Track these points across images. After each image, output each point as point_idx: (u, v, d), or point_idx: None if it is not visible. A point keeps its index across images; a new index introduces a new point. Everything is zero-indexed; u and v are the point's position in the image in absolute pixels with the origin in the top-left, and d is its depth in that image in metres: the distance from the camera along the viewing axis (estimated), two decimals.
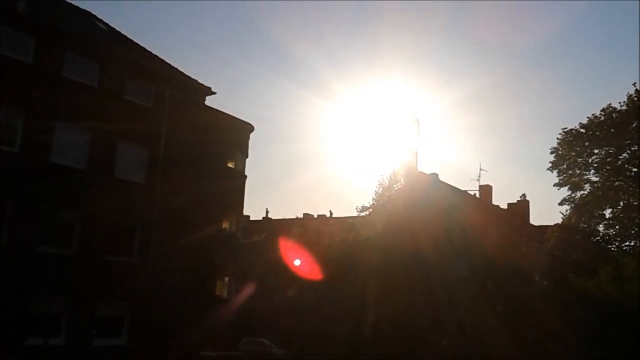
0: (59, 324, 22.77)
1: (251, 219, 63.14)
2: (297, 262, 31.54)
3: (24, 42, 22.61)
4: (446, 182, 54.77)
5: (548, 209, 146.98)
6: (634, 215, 39.58)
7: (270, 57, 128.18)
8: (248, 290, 38.50)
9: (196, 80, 29.24)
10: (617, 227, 40.81)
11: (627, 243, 40.54)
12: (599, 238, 40.43)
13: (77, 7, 29.64)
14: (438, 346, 35.61)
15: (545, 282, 42.48)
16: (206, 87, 29.44)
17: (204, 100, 29.79)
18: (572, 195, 41.18)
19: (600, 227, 41.03)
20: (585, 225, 40.31)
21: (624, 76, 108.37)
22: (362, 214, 42.26)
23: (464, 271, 45.23)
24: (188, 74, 29.33)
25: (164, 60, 29.57)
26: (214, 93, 29.68)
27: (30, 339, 21.30)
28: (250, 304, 42.61)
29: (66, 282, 22.62)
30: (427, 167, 47.40)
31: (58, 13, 26.45)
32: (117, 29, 30.61)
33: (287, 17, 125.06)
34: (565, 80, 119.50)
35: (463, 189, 56.24)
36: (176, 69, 29.27)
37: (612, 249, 40.25)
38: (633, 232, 40.57)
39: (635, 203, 40.19)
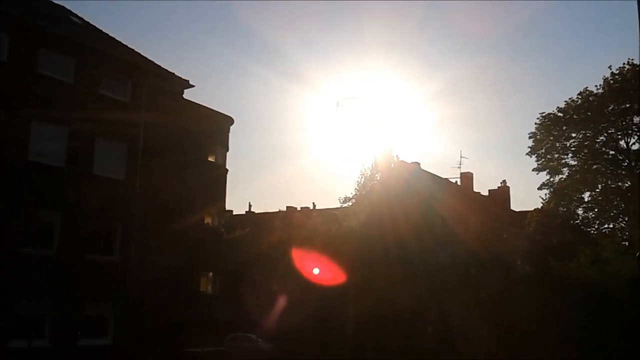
0: (42, 326, 22.41)
1: (234, 213, 62.79)
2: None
3: None
4: (428, 170, 55.10)
5: (528, 194, 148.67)
6: (612, 197, 40.14)
7: (249, 47, 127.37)
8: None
9: (174, 74, 28.90)
10: (595, 210, 41.37)
11: (606, 225, 41.12)
12: (578, 221, 40.93)
13: (51, 2, 29.09)
14: (422, 335, 35.79)
15: (527, 267, 42.89)
16: (184, 80, 29.11)
17: (182, 93, 29.46)
18: (551, 179, 41.66)
19: (579, 211, 41.58)
20: (565, 209, 40.77)
21: (601, 59, 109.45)
22: (345, 205, 42.28)
23: (446, 259, 45.53)
24: (165, 67, 29.02)
25: (140, 54, 29.17)
26: (192, 86, 29.40)
27: (14, 341, 20.90)
28: (235, 299, 42.37)
29: (48, 283, 22.21)
30: (408, 157, 47.45)
31: (32, 8, 25.89)
32: (92, 23, 30.12)
33: (266, 6, 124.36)
34: (544, 67, 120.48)
35: (445, 177, 56.62)
36: (153, 62, 28.89)
37: (592, 232, 40.76)
38: (612, 214, 41.16)
39: (613, 186, 40.76)
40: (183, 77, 29.13)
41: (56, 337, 22.58)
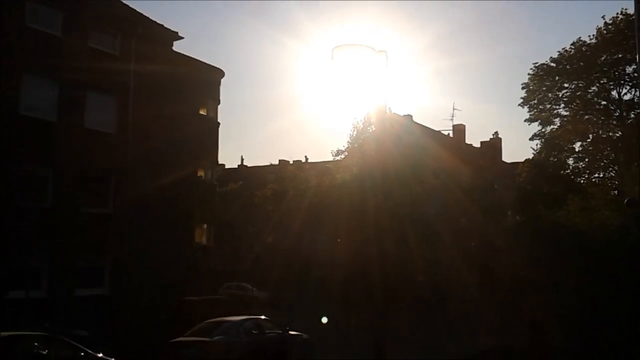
0: (39, 277, 22.87)
1: (227, 167, 63.12)
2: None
3: None
4: (420, 123, 55.20)
5: (520, 145, 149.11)
6: (602, 147, 40.46)
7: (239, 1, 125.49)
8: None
9: (162, 26, 28.74)
10: (586, 159, 41.74)
11: (596, 175, 41.55)
12: (568, 171, 41.30)
13: None
14: (412, 283, 36.55)
15: (518, 217, 43.47)
16: (173, 32, 28.97)
17: (172, 45, 29.35)
18: (543, 130, 41.88)
19: (570, 161, 41.94)
20: (556, 159, 41.09)
21: (594, 9, 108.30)
22: (338, 158, 42.56)
23: (437, 210, 46.07)
24: (155, 19, 28.85)
25: (129, 6, 28.86)
26: (182, 38, 29.32)
27: (12, 292, 21.40)
28: (230, 250, 43.09)
29: (44, 235, 22.58)
30: (401, 109, 47.59)
31: None
32: None
33: None
34: (537, 17, 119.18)
35: (437, 129, 56.78)
36: (142, 14, 28.64)
37: (582, 181, 41.21)
38: (602, 164, 41.56)
39: (604, 136, 41.03)
40: (172, 29, 28.99)
41: (53, 288, 23.08)
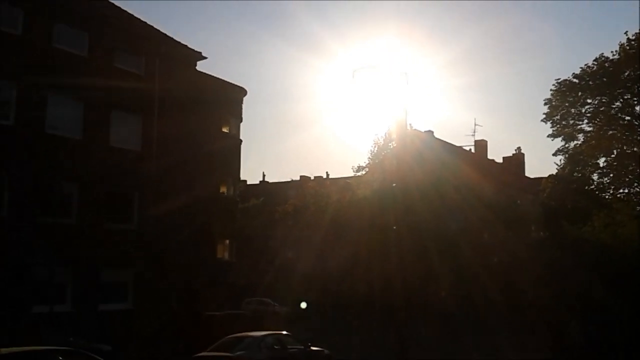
0: (64, 292, 23.27)
1: (248, 183, 63.54)
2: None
3: (12, 14, 22.62)
4: (441, 139, 55.13)
5: (543, 160, 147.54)
6: (627, 162, 39.94)
7: (262, 17, 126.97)
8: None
9: (186, 46, 29.24)
10: (611, 175, 41.20)
11: (621, 190, 40.98)
12: (593, 187, 40.85)
13: None
14: (435, 298, 36.34)
15: (541, 233, 43.08)
16: (197, 52, 29.45)
17: (195, 65, 29.83)
18: (566, 145, 41.44)
19: (595, 176, 41.40)
20: (580, 175, 40.66)
21: (617, 26, 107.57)
22: (358, 173, 42.67)
23: (460, 225, 45.83)
24: (178, 39, 29.37)
25: (153, 27, 29.48)
26: (205, 58, 29.75)
27: (37, 306, 21.82)
28: (251, 265, 43.30)
29: (69, 250, 23.05)
30: (422, 125, 47.63)
31: None
32: None
33: None
34: (560, 33, 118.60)
35: (459, 144, 56.65)
36: (166, 35, 29.22)
37: (606, 197, 40.70)
38: (627, 179, 41.00)
39: (629, 151, 40.53)
40: (196, 49, 29.52)
41: (77, 302, 23.46)
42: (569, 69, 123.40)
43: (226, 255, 33.06)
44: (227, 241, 33.23)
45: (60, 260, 22.67)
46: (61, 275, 22.92)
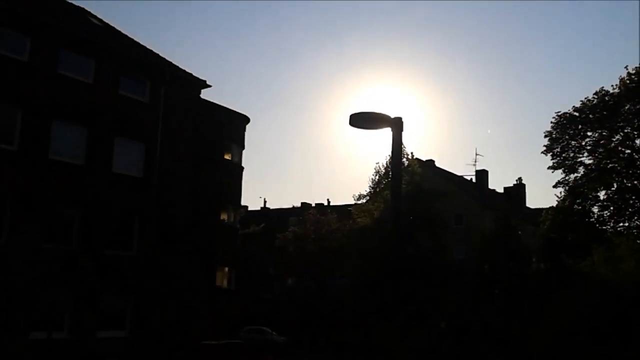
0: (62, 318, 23.15)
1: (249, 209, 63.54)
2: None
3: (19, 40, 22.83)
4: (443, 168, 55.35)
5: (544, 191, 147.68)
6: (627, 196, 39.91)
7: (266, 49, 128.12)
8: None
9: (191, 74, 29.47)
10: (611, 208, 41.14)
11: (622, 224, 40.90)
12: (593, 219, 40.81)
13: (71, 4, 29.79)
14: (436, 329, 36.17)
15: (542, 265, 42.97)
16: (201, 80, 29.67)
17: (200, 93, 30.03)
18: (567, 177, 41.43)
19: (595, 209, 41.32)
20: (580, 207, 40.62)
21: (616, 60, 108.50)
22: (359, 202, 42.69)
23: (462, 255, 45.75)
24: (183, 67, 29.63)
25: (158, 55, 29.79)
26: (209, 86, 29.95)
27: (34, 333, 21.69)
28: (250, 293, 43.10)
29: (68, 277, 22.98)
30: (424, 154, 47.81)
31: (52, 10, 26.62)
32: (110, 24, 30.80)
33: (281, 10, 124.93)
34: (560, 66, 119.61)
35: (459, 174, 56.86)
36: (171, 62, 29.48)
37: (607, 229, 40.64)
38: (627, 213, 40.95)
39: (629, 184, 40.52)
40: (200, 77, 29.75)
41: (75, 329, 23.32)
42: (569, 103, 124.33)
43: (225, 283, 32.94)
44: (227, 268, 33.14)
45: (59, 286, 22.61)
46: (60, 302, 22.82)
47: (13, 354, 20.70)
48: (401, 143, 8.16)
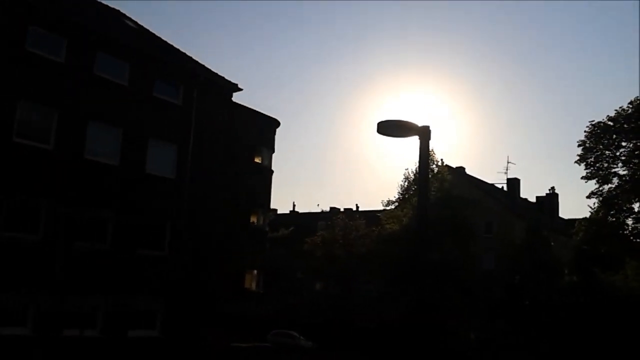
0: (94, 317, 23.44)
1: (278, 212, 63.77)
2: None
3: (56, 42, 23.20)
4: (473, 175, 54.82)
5: (578, 201, 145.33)
6: None
7: (298, 52, 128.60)
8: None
9: (223, 77, 29.71)
10: None
11: None
12: (627, 232, 40.04)
13: (106, 6, 30.25)
14: (465, 339, 35.80)
15: (574, 277, 42.27)
16: (233, 83, 29.88)
17: (231, 96, 30.25)
18: (600, 188, 40.71)
19: (629, 221, 40.52)
20: (614, 219, 39.88)
21: None
22: (388, 207, 42.57)
23: (491, 264, 45.21)
24: (215, 71, 29.87)
25: (192, 58, 30.09)
26: (241, 89, 30.13)
27: (67, 330, 22.04)
28: (278, 296, 43.22)
29: (101, 276, 23.31)
30: (454, 161, 47.44)
31: (88, 12, 27.08)
32: (145, 27, 31.22)
33: (312, 16, 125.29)
34: (595, 73, 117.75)
35: (490, 182, 56.24)
36: (203, 66, 29.76)
37: None
38: None
39: None
40: (232, 80, 29.98)
41: (107, 328, 23.62)
42: (604, 112, 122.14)
43: (254, 286, 33.07)
44: (255, 271, 33.27)
45: (92, 285, 22.94)
46: (92, 301, 23.15)
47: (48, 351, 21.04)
48: (428, 152, 8.14)
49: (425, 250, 9.59)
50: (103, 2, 30.26)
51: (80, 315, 22.55)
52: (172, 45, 30.57)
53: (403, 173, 41.83)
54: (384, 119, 8.12)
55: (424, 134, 8.05)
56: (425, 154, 8.12)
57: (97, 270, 23.14)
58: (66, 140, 23.12)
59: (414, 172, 41.40)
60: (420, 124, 8.15)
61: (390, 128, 8.04)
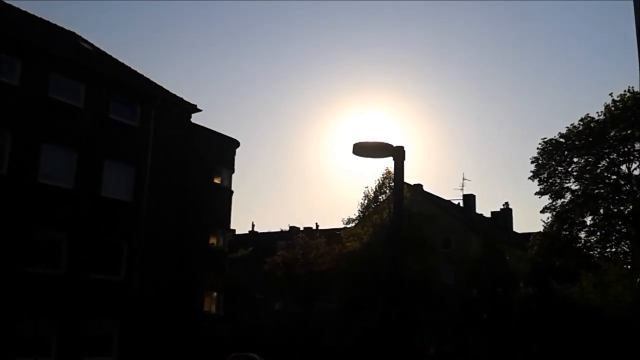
0: (48, 344, 22.80)
1: (237, 232, 63.25)
2: None
3: (10, 64, 22.80)
4: (430, 192, 55.55)
5: (532, 216, 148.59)
6: (614, 222, 40.23)
7: (257, 72, 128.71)
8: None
9: (181, 98, 29.52)
10: (598, 233, 41.40)
11: (609, 249, 41.16)
12: (580, 245, 41.05)
13: (62, 28, 29.84)
14: (425, 353, 36.04)
15: (530, 290, 43.12)
16: (191, 104, 29.72)
17: (190, 117, 30.05)
18: (553, 203, 41.71)
19: (582, 234, 41.58)
20: (567, 233, 40.86)
21: (601, 86, 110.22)
22: (348, 225, 42.68)
23: (450, 279, 45.76)
24: (173, 92, 29.69)
25: (149, 79, 29.83)
26: (200, 110, 30.00)
27: (20, 359, 21.32)
28: (237, 318, 42.73)
29: (55, 302, 22.70)
30: (411, 178, 47.95)
31: (43, 34, 26.65)
32: (101, 48, 30.84)
33: (270, 37, 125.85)
34: (546, 91, 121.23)
35: (447, 198, 57.09)
36: (161, 87, 29.54)
37: (595, 255, 40.87)
38: (614, 238, 41.24)
39: (615, 210, 40.85)
40: (190, 101, 29.80)
41: (61, 356, 22.95)
42: (555, 129, 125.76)
43: (213, 308, 32.59)
44: (215, 293, 32.82)
45: (46, 311, 22.30)
46: (46, 327, 22.49)
47: None
48: (403, 171, 8.27)
49: (397, 266, 9.74)
50: (58, 24, 29.85)
51: (34, 341, 21.84)
52: (129, 67, 30.28)
53: (363, 191, 42.03)
54: (358, 141, 8.22)
55: (399, 154, 8.19)
56: (400, 173, 8.24)
57: (50, 295, 22.49)
58: (19, 163, 22.58)
59: (374, 190, 41.72)
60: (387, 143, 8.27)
61: (366, 149, 8.17)
